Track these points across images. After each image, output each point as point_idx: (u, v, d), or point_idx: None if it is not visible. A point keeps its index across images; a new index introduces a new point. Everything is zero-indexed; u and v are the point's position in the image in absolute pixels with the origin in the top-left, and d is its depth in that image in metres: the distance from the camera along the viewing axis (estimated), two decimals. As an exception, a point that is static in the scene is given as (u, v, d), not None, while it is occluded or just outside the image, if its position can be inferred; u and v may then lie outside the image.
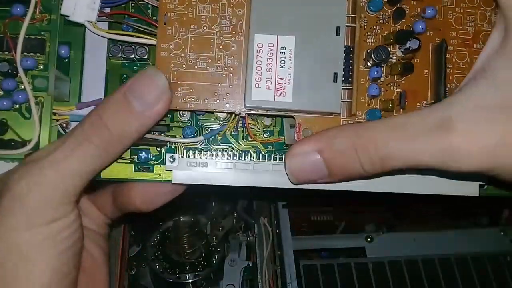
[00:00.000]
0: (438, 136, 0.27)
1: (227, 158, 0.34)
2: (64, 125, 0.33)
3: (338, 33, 0.32)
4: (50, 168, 0.29)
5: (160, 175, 0.34)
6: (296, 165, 0.31)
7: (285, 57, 0.32)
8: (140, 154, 0.34)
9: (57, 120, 0.33)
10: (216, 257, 0.61)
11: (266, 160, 0.35)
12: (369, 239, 0.65)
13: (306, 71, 0.32)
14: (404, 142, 0.28)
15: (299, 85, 0.32)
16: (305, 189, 0.34)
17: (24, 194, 0.28)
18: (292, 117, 0.33)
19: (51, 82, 0.31)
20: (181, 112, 0.34)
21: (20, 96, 0.30)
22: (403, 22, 0.33)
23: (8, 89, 0.32)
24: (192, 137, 0.34)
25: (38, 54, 0.31)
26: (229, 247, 0.63)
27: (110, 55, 0.34)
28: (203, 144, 0.35)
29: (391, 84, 0.34)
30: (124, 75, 0.34)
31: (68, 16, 0.32)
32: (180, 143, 0.34)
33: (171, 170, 0.34)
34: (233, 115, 0.34)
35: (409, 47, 0.32)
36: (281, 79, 0.32)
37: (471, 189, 0.36)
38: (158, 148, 0.34)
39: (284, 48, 0.32)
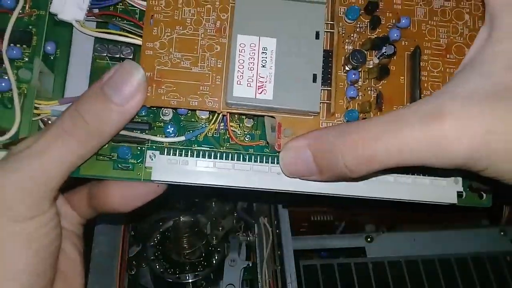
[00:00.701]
0: (428, 125, 0.26)
1: (208, 158, 0.35)
2: (45, 119, 0.33)
3: (317, 37, 0.33)
4: (28, 161, 0.29)
5: (139, 174, 0.34)
6: (288, 158, 0.32)
7: (266, 57, 0.33)
8: (120, 152, 0.34)
9: (39, 115, 0.33)
10: (216, 257, 0.61)
11: (247, 161, 0.35)
12: (369, 239, 0.65)
13: (287, 71, 0.32)
14: (394, 134, 0.27)
15: (280, 83, 0.32)
16: (293, 192, 0.34)
17: (0, 188, 0.28)
18: (273, 117, 0.34)
19: (35, 72, 0.31)
20: (164, 111, 0.35)
21: (3, 84, 0.30)
22: (379, 31, 0.35)
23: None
24: (173, 136, 0.34)
25: (24, 46, 0.32)
26: (229, 247, 0.63)
27: (96, 54, 0.34)
28: (184, 145, 0.35)
29: (369, 88, 0.35)
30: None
31: (56, 15, 0.33)
32: (161, 142, 0.34)
33: (151, 168, 0.34)
34: (215, 116, 0.34)
35: (385, 52, 0.33)
36: (262, 77, 0.32)
37: (449, 197, 0.36)
38: (139, 147, 0.34)
39: (265, 49, 0.33)
